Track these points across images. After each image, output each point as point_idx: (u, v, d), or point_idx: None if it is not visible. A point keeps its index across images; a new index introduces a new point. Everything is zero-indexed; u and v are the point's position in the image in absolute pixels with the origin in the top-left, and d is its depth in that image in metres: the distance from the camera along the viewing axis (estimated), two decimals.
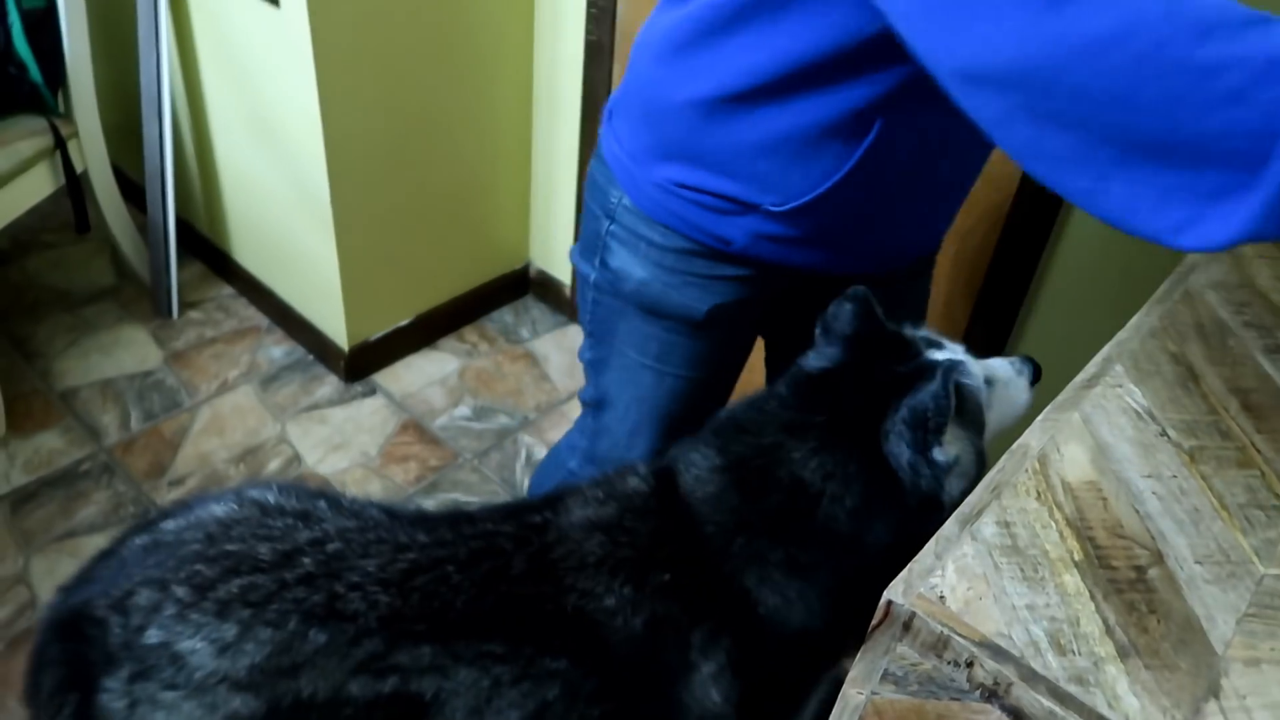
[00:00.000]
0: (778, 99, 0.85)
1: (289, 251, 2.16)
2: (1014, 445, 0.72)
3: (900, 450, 0.87)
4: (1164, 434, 0.73)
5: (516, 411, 2.20)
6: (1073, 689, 0.55)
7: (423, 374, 2.27)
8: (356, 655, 0.90)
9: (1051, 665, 0.56)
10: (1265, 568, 0.64)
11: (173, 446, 2.02)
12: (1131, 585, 0.62)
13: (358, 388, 2.21)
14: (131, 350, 2.23)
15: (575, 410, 2.21)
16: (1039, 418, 0.75)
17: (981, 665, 0.57)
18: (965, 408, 0.88)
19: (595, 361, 1.19)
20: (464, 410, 2.19)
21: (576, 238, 2.30)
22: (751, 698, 0.97)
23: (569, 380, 2.30)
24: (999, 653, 0.57)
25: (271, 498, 0.99)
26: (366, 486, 1.97)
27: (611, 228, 1.05)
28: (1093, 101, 0.57)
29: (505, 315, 2.48)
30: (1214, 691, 0.56)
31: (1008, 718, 0.57)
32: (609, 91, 2.05)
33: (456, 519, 1.02)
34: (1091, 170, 0.60)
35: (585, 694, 0.95)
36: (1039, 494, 0.67)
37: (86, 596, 0.94)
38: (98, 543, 1.79)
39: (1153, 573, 0.63)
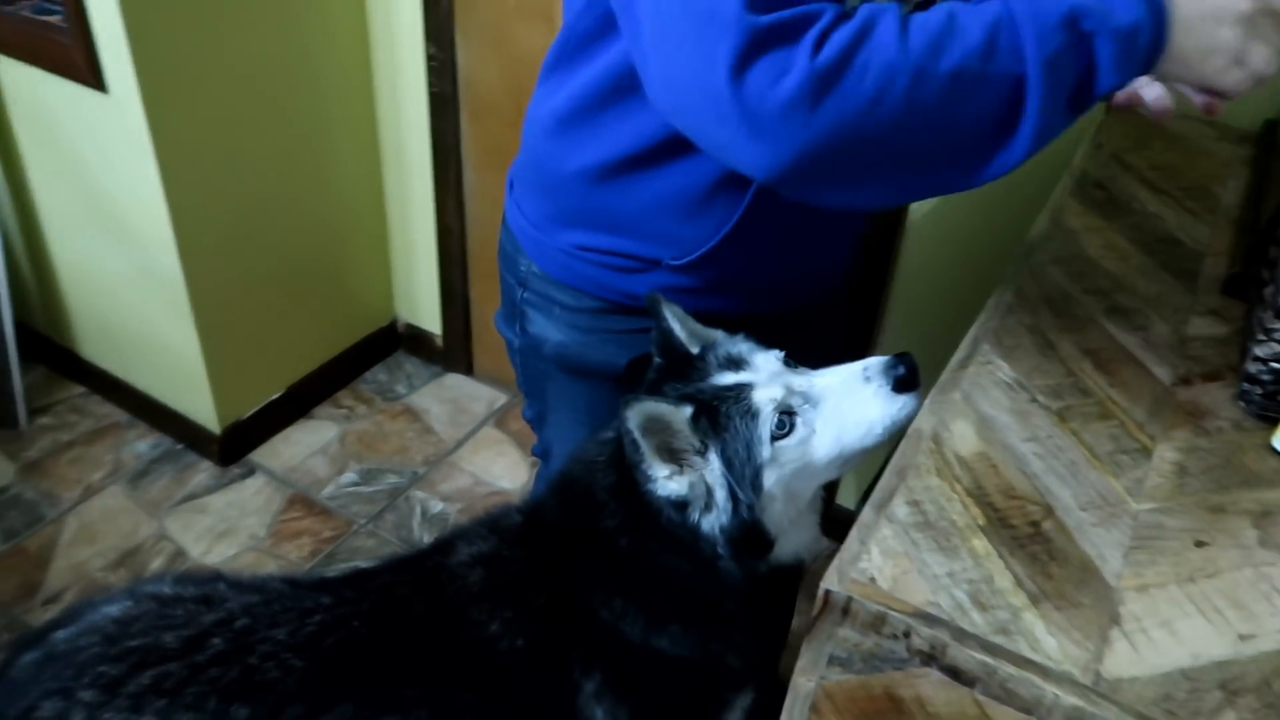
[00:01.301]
0: (659, 163, 0.89)
1: (145, 340, 2.07)
2: (909, 431, 0.78)
3: (644, 482, 0.88)
4: (1034, 400, 0.81)
5: (405, 469, 2.17)
6: (999, 640, 0.61)
7: (302, 445, 2.22)
8: None
9: (977, 622, 0.62)
10: (1138, 504, 0.72)
11: (41, 563, 1.90)
12: (1031, 539, 0.69)
13: (235, 470, 2.13)
14: None
15: (464, 459, 2.21)
16: (926, 401, 0.82)
17: (917, 634, 0.62)
18: (726, 437, 0.85)
19: (535, 419, 1.20)
20: (351, 476, 2.14)
21: (443, 288, 2.31)
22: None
23: (453, 429, 2.29)
24: (931, 620, 0.62)
25: (168, 588, 0.97)
26: (261, 569, 1.91)
27: (525, 295, 1.07)
28: (885, 145, 0.65)
29: (379, 374, 2.45)
30: (1115, 620, 0.63)
31: (946, 676, 0.62)
32: (458, 141, 2.08)
33: (356, 577, 1.03)
34: (909, 184, 0.72)
35: None
36: (939, 471, 0.74)
37: None
38: None
39: (1046, 525, 0.70)
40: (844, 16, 0.65)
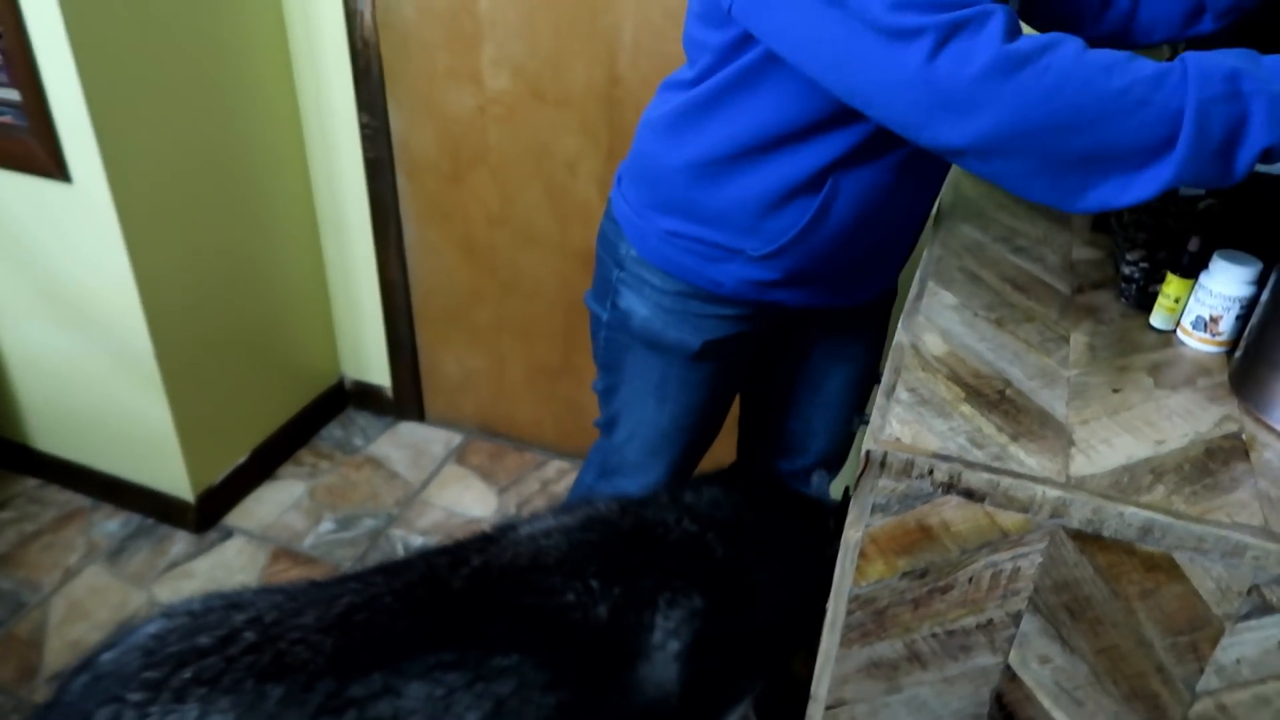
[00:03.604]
0: (749, 162, 1.08)
1: (109, 421, 2.13)
2: (892, 346, 1.02)
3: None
4: (976, 314, 1.06)
5: (379, 512, 2.28)
6: (996, 464, 0.84)
7: (274, 504, 2.30)
8: (314, 700, 0.97)
9: (979, 456, 0.85)
10: (1068, 372, 0.97)
11: (35, 645, 1.92)
12: (999, 403, 0.92)
13: (212, 535, 2.20)
14: None
15: (433, 496, 2.34)
16: (899, 325, 1.05)
17: (938, 469, 0.84)
18: None
19: (606, 390, 1.37)
20: (328, 525, 2.24)
21: (390, 340, 2.45)
22: (696, 686, 1.14)
23: (416, 471, 2.42)
24: (946, 458, 0.84)
25: (197, 605, 1.05)
26: None
27: (621, 275, 1.25)
28: (1054, 137, 0.79)
29: (333, 431, 2.55)
30: (1071, 443, 0.87)
31: (962, 498, 0.84)
32: (396, 199, 2.25)
33: (386, 566, 1.12)
34: (1062, 181, 0.82)
35: (539, 684, 1.06)
36: (923, 367, 0.97)
37: None
38: None
39: (1009, 392, 0.94)
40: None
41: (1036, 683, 0.91)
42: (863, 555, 0.91)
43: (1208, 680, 0.85)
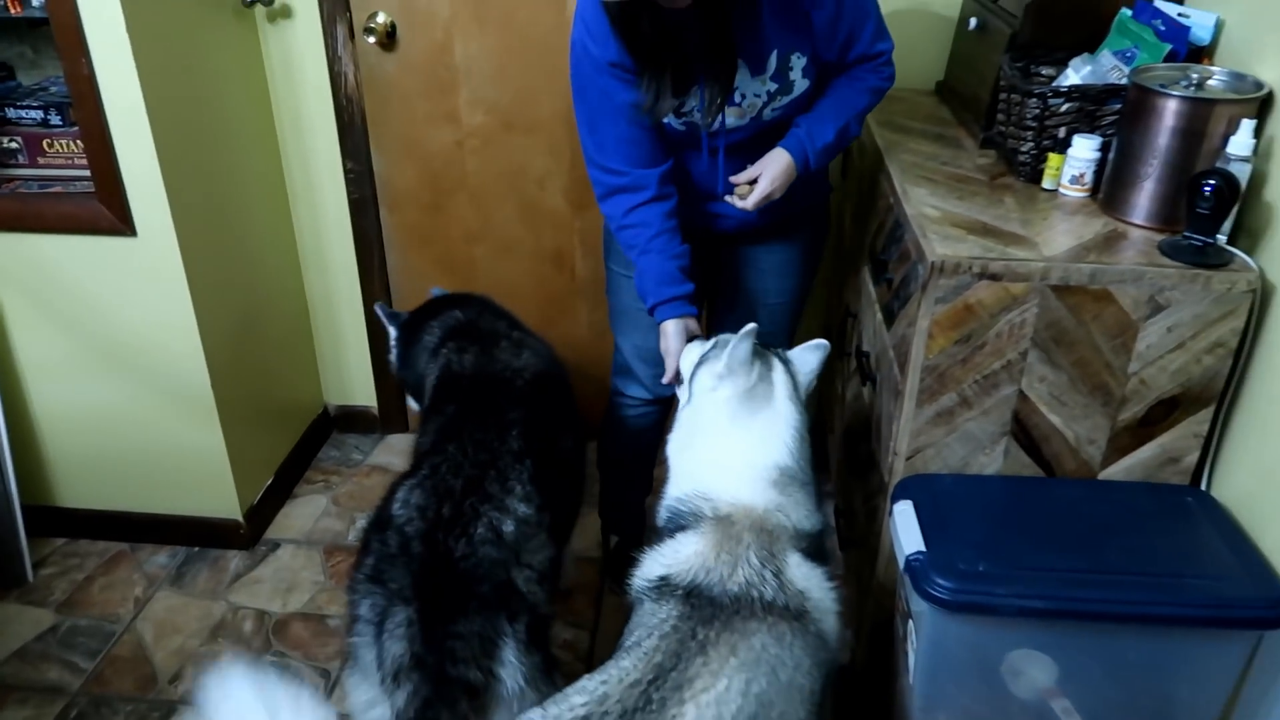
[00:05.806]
0: None
1: (157, 461, 2.32)
2: (907, 217, 1.58)
3: None
4: (945, 196, 1.65)
5: None
6: (1005, 257, 1.42)
7: (305, 515, 2.56)
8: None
9: (993, 254, 1.42)
10: (1013, 214, 1.58)
11: (143, 660, 2.10)
12: (988, 232, 1.51)
13: (261, 549, 2.43)
14: (17, 623, 2.20)
15: None
16: (901, 206, 1.62)
17: (974, 264, 1.40)
18: None
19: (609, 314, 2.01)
20: (364, 521, 2.51)
21: (376, 360, 2.76)
22: None
23: None
24: (977, 258, 1.41)
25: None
26: (334, 605, 2.26)
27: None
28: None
29: (330, 452, 2.83)
30: (1036, 244, 1.47)
31: (989, 280, 1.41)
32: (379, 233, 2.61)
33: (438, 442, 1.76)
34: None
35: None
36: (934, 221, 1.54)
37: None
38: None
39: (989, 226, 1.53)
40: (617, 190, 1.67)
41: (1038, 397, 1.50)
42: (929, 336, 1.46)
43: (1133, 364, 1.46)
